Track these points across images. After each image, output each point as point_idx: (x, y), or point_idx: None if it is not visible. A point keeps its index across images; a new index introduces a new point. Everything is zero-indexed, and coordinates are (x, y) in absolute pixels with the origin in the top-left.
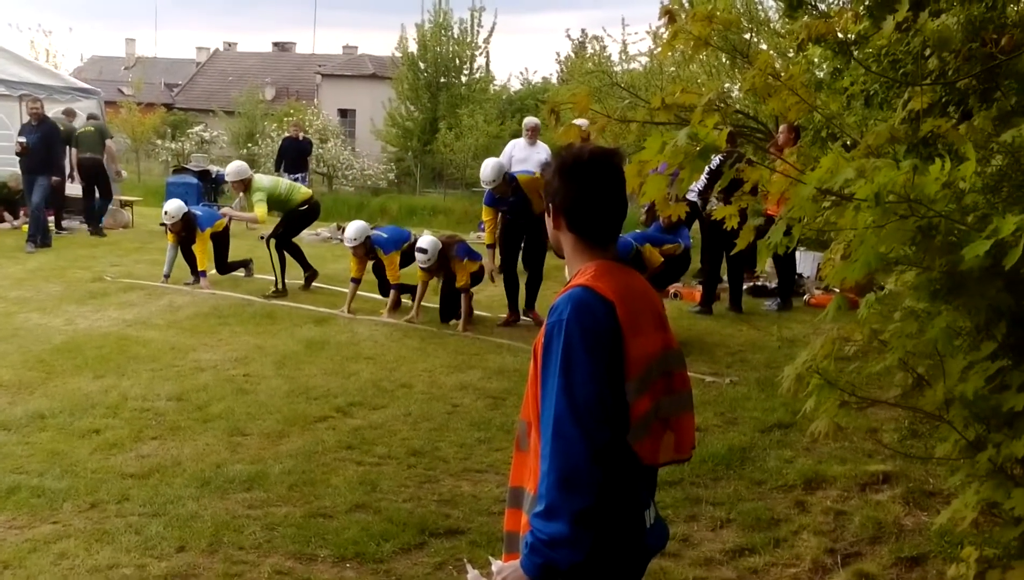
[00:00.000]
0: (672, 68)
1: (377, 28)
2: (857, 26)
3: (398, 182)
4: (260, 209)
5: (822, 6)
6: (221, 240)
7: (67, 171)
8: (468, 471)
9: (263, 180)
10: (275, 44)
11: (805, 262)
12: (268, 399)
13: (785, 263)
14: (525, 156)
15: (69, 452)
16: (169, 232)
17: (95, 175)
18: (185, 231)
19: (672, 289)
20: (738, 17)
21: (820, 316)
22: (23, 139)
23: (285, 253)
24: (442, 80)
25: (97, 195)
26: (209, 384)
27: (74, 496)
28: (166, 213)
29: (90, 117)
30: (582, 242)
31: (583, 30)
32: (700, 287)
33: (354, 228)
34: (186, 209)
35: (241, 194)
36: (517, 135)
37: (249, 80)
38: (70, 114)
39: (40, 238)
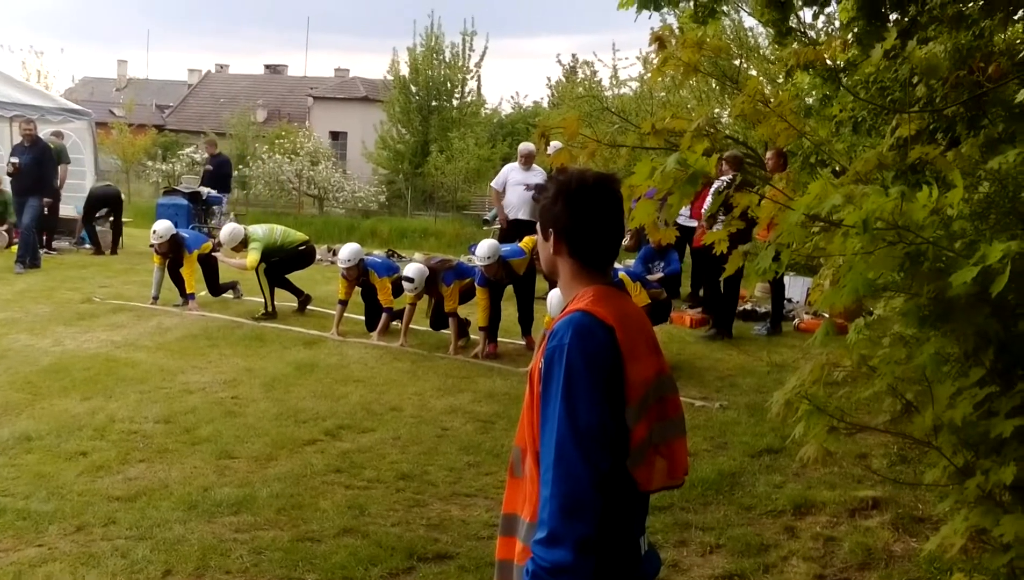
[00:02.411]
0: (662, 93)
1: (369, 51)
2: (846, 54)
3: (389, 204)
4: (252, 256)
5: (811, 33)
6: (210, 262)
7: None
8: (457, 495)
9: (257, 231)
10: (267, 66)
11: (795, 287)
12: (257, 422)
13: (777, 288)
14: (521, 180)
15: (55, 474)
16: (156, 254)
17: None
18: (172, 252)
19: None
20: (728, 44)
21: (809, 341)
22: (15, 160)
23: (280, 284)
24: (433, 103)
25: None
26: (197, 407)
27: (60, 519)
28: (154, 233)
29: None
30: (582, 267)
31: (574, 55)
32: (691, 312)
33: (348, 250)
34: (174, 231)
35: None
36: (508, 158)
37: (241, 102)
38: (59, 135)
39: (29, 259)
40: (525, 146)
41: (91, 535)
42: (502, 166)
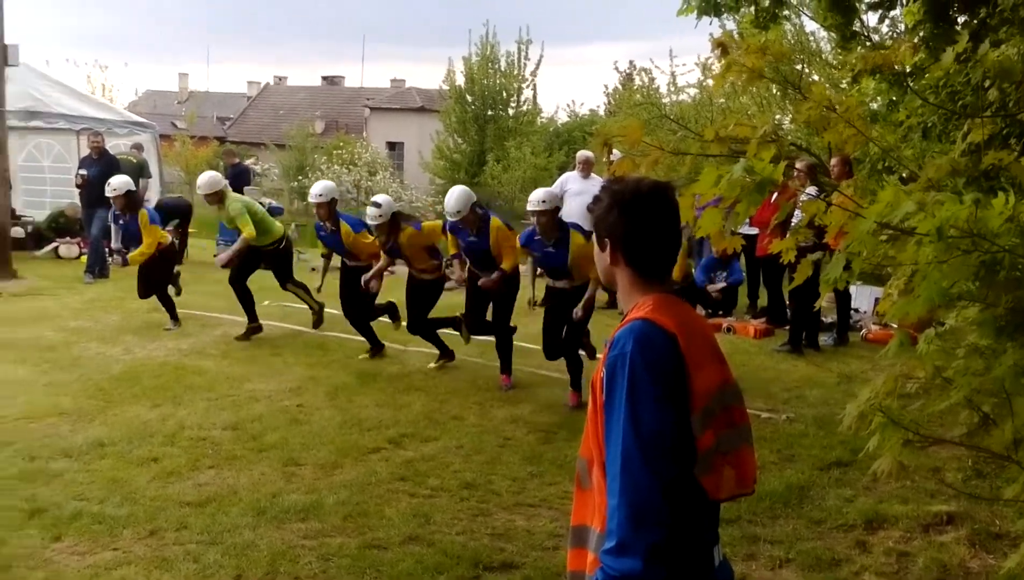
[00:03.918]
0: (722, 99)
1: (424, 61)
2: (914, 57)
3: None
4: (246, 226)
5: (875, 37)
6: (281, 257)
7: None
8: (521, 505)
9: (238, 196)
10: (324, 78)
11: (861, 297)
12: (321, 430)
13: (842, 297)
14: (580, 189)
15: (128, 480)
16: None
17: None
18: (129, 210)
19: (725, 324)
20: (790, 49)
21: (882, 353)
22: (83, 172)
23: (302, 286)
24: (489, 113)
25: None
26: (264, 414)
27: (134, 523)
28: (109, 185)
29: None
30: (639, 276)
31: (631, 62)
32: (755, 322)
33: (321, 185)
34: (131, 187)
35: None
36: (564, 167)
37: (299, 114)
38: (139, 148)
39: (99, 269)
40: (583, 153)
41: (163, 539)
42: (559, 175)
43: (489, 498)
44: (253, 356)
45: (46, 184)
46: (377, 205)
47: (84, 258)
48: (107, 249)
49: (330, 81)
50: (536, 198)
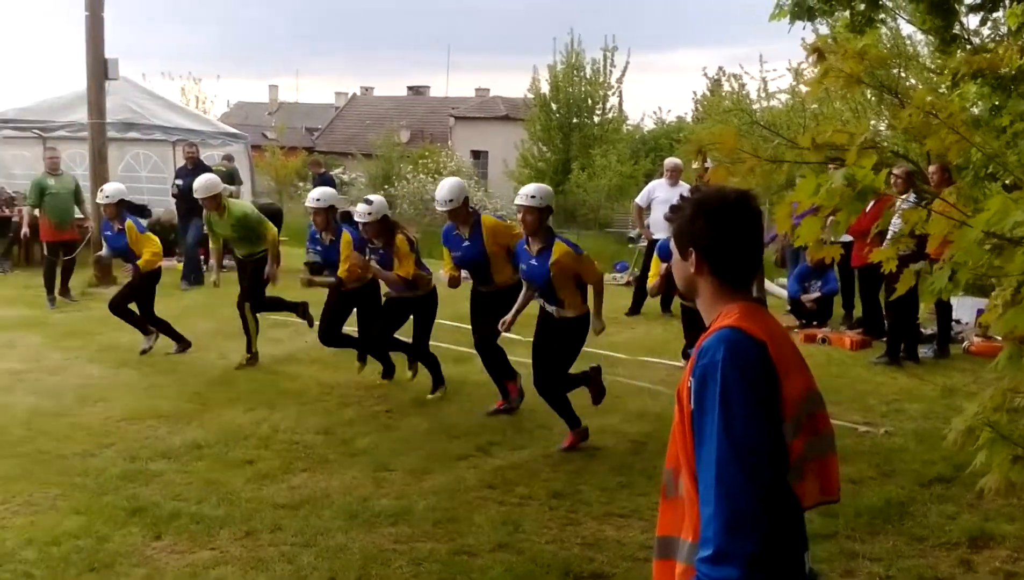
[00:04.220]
0: (814, 105)
1: (509, 70)
2: (1020, 60)
3: None
4: (272, 229)
5: (976, 40)
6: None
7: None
8: (611, 515)
9: (238, 202)
10: (410, 88)
11: (963, 308)
12: (410, 436)
13: (943, 308)
14: (667, 197)
15: (225, 481)
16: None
17: None
18: (119, 219)
19: (820, 334)
20: (887, 53)
21: (989, 366)
22: (179, 182)
23: (255, 317)
24: (574, 120)
25: None
26: (354, 419)
27: (230, 524)
28: (102, 192)
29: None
30: (724, 285)
31: (720, 67)
32: (850, 333)
33: (320, 190)
34: (125, 196)
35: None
36: (651, 175)
37: (385, 123)
38: (229, 159)
39: (194, 276)
40: (671, 161)
41: (259, 540)
42: (645, 183)
43: (578, 507)
44: (342, 362)
45: (143, 193)
46: (369, 202)
47: (180, 266)
48: (202, 257)
49: (415, 91)
50: (526, 192)
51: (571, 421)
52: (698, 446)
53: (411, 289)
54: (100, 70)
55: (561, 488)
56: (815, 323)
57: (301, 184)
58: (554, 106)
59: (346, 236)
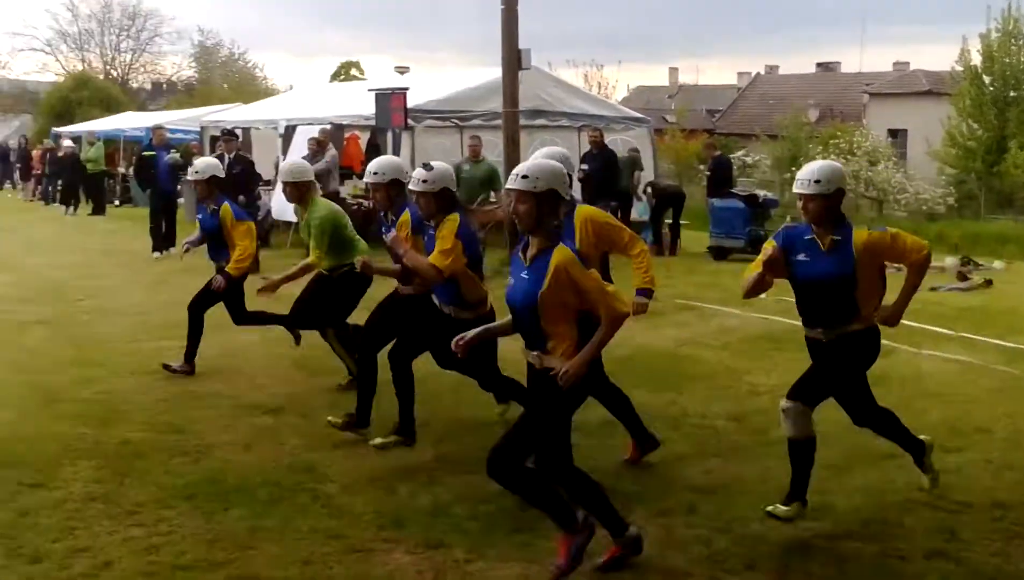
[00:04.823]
0: None
1: (933, 42)
2: None
3: (959, 207)
4: (360, 244)
5: None
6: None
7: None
8: None
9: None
10: (819, 65)
11: None
12: (827, 429)
13: None
14: None
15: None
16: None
17: None
18: (210, 199)
19: None
20: None
21: None
22: (585, 166)
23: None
24: (1012, 94)
25: None
26: (768, 408)
27: (646, 501)
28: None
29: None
30: None
31: None
32: None
33: (380, 161)
34: (218, 172)
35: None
36: None
37: (791, 103)
38: (635, 151)
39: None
40: None
41: (674, 520)
42: None
43: None
44: (751, 349)
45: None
46: (428, 168)
47: None
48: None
49: (825, 67)
50: (518, 171)
51: (568, 521)
52: None
53: (458, 304)
54: (514, 61)
55: (1006, 498)
56: None
57: (700, 167)
58: (987, 79)
59: (453, 218)
